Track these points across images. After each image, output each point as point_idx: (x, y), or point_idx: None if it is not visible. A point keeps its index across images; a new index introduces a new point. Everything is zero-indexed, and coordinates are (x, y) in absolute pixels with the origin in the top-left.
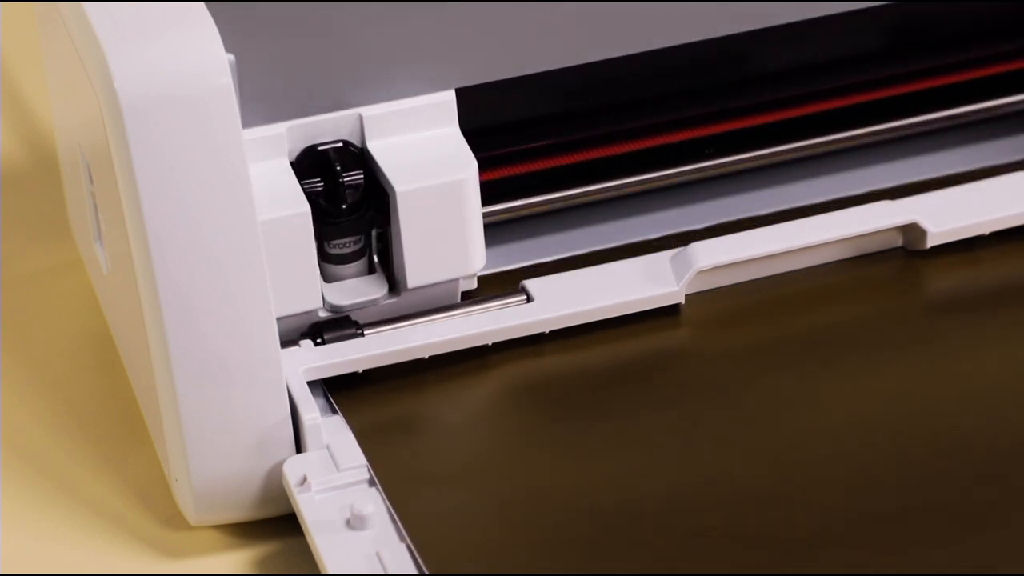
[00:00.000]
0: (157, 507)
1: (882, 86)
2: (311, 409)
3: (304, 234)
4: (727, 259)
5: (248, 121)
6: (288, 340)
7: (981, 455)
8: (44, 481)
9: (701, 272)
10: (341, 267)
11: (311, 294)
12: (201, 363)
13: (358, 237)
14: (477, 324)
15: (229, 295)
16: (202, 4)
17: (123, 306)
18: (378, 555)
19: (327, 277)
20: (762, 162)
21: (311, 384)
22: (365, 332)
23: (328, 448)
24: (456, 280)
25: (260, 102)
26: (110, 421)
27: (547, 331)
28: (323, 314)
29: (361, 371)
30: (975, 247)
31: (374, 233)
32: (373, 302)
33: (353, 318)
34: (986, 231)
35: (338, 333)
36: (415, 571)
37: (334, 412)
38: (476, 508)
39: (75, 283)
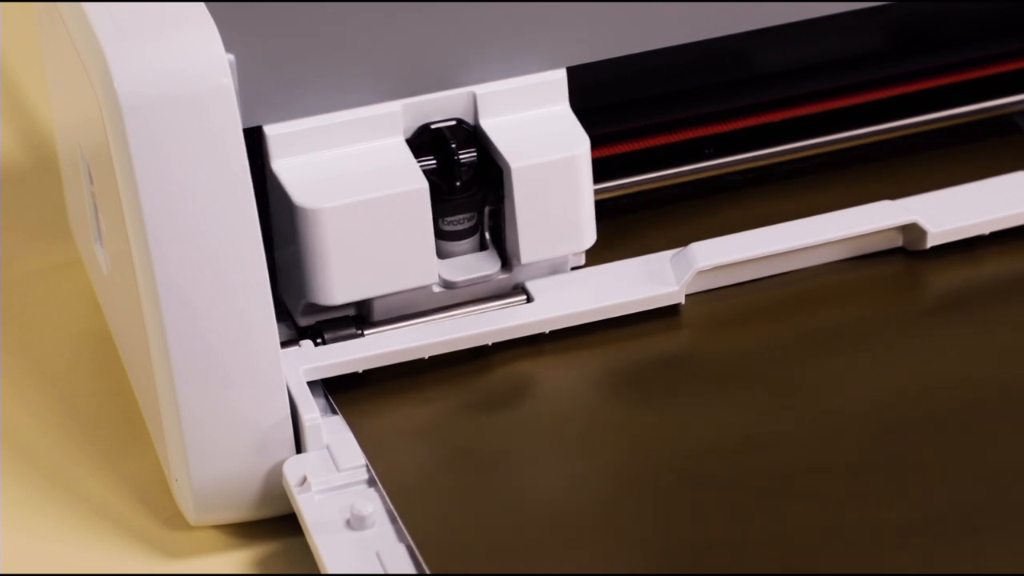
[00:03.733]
0: (157, 507)
1: (882, 86)
2: (311, 409)
3: (422, 209)
4: (727, 259)
5: (363, 100)
6: (288, 340)
7: (982, 453)
8: (44, 481)
9: (701, 272)
10: (454, 244)
11: (428, 269)
12: (201, 363)
13: (471, 214)
14: (477, 324)
15: (229, 295)
16: (202, 4)
17: (123, 306)
18: (378, 555)
19: (440, 254)
20: (762, 162)
21: (311, 384)
22: (365, 332)
23: (328, 448)
24: (566, 256)
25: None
26: (110, 421)
27: (547, 331)
28: (437, 289)
29: (361, 371)
30: (975, 247)
31: (487, 210)
32: (487, 278)
33: (353, 318)
34: (986, 231)
35: (338, 333)
36: (415, 571)
37: (334, 412)
38: (476, 507)
39: (75, 283)
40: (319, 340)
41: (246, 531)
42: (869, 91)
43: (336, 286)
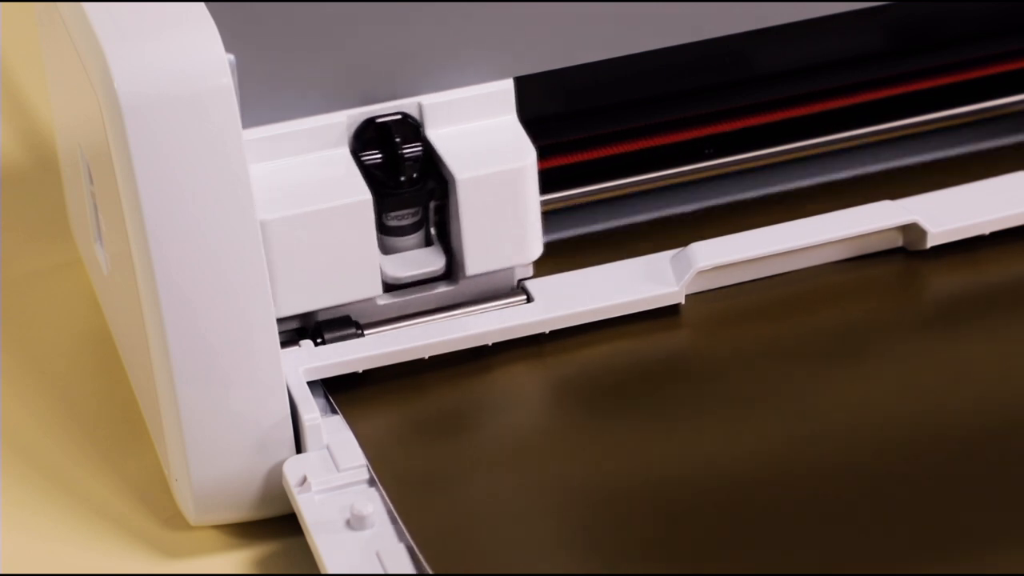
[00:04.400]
0: (157, 507)
1: (882, 86)
2: (311, 409)
3: (365, 221)
4: (727, 259)
5: (310, 110)
6: (288, 340)
7: (981, 454)
8: (44, 481)
9: (701, 272)
10: (399, 239)
11: (371, 281)
12: (201, 363)
13: (416, 209)
14: (477, 324)
15: (229, 295)
16: (202, 4)
17: (123, 306)
18: (378, 555)
19: (384, 249)
20: (762, 162)
21: (311, 384)
22: (365, 332)
23: (328, 448)
24: (512, 268)
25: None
26: (110, 421)
27: (547, 331)
28: (381, 302)
29: (361, 371)
30: (975, 247)
31: (432, 205)
32: (431, 273)
33: (354, 318)
34: (986, 231)
35: (338, 333)
36: (415, 571)
37: (334, 412)
38: (477, 507)
39: (75, 283)
40: (319, 340)
41: (246, 531)
42: (869, 91)
43: (280, 298)
